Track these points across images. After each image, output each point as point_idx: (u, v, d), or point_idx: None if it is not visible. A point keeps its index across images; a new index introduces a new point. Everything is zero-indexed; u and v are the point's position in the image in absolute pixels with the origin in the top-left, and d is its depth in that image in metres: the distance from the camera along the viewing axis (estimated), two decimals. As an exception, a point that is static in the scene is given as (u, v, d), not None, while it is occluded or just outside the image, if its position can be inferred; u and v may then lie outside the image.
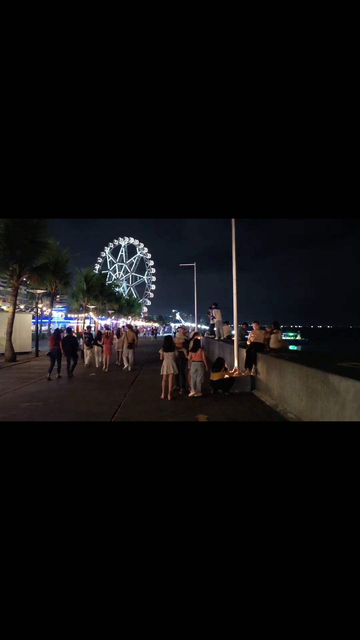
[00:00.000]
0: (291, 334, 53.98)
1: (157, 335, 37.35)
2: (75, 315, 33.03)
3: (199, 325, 23.91)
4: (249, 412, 6.19)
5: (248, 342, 8.43)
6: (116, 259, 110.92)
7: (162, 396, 6.85)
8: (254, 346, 8.06)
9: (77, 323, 27.77)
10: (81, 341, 12.89)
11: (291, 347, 12.90)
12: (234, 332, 11.17)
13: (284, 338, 9.12)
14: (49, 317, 23.36)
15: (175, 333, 10.30)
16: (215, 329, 14.69)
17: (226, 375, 7.86)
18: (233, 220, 8.47)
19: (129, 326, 12.74)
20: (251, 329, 8.71)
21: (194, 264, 23.54)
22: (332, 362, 5.75)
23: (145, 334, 42.08)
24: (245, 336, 9.48)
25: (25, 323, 16.81)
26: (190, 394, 7.23)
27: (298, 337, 51.77)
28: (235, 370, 8.33)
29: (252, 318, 9.00)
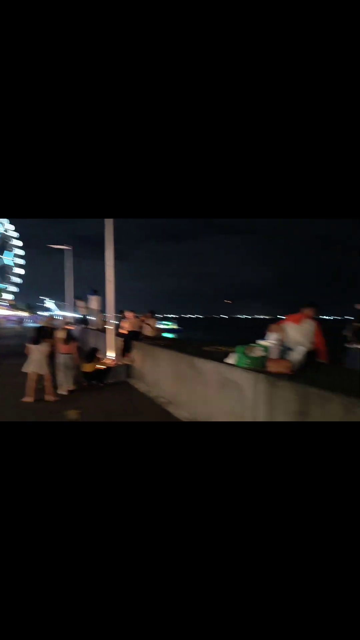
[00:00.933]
0: (165, 322, 57.12)
1: (25, 325, 33.14)
2: None
3: (74, 315, 22.42)
4: (124, 400, 6.17)
5: (124, 331, 8.36)
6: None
7: (26, 398, 5.96)
8: (130, 334, 8.06)
9: None
10: None
11: (167, 335, 13.61)
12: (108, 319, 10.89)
13: (158, 326, 9.48)
14: None
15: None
16: (92, 317, 14.06)
17: (100, 366, 7.58)
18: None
19: None
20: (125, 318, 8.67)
21: (71, 248, 21.58)
22: (198, 347, 6.29)
23: (4, 324, 36.40)
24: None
25: None
26: (61, 390, 6.61)
27: (173, 326, 55.31)
28: (112, 360, 8.14)
29: (130, 307, 8.95)
